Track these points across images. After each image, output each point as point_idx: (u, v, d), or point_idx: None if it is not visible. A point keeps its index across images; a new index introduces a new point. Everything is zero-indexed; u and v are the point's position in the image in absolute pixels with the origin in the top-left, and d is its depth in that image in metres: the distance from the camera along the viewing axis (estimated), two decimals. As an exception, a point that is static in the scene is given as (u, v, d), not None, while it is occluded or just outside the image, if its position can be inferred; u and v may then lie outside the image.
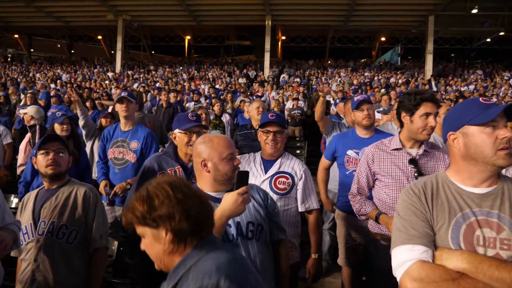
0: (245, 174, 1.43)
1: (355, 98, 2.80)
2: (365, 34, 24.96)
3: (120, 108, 3.12)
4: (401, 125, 2.06)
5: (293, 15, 18.17)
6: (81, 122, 3.76)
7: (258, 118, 3.71)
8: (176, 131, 2.26)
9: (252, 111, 3.90)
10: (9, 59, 25.07)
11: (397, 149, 2.03)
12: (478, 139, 1.21)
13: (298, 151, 7.35)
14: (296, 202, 2.23)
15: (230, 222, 1.53)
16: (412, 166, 1.97)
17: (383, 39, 24.50)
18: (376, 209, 2.03)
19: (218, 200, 1.51)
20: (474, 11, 16.60)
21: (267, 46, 17.86)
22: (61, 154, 2.01)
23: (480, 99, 1.26)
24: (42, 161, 1.98)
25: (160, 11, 18.37)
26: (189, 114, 2.30)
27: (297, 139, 8.34)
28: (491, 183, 1.24)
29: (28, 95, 7.22)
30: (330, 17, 18.33)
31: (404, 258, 1.18)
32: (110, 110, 5.11)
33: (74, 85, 10.83)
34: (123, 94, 3.15)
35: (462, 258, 1.13)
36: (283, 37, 24.81)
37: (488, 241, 1.17)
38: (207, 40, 27.22)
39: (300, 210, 2.23)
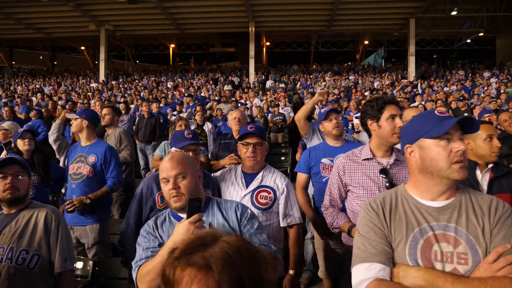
0: (196, 201, 1.37)
1: (322, 110, 2.79)
2: (349, 38, 25.26)
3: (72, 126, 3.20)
4: (370, 134, 2.04)
5: (277, 21, 18.28)
6: (51, 137, 3.65)
7: (236, 129, 3.66)
8: (173, 149, 2.25)
9: (230, 121, 3.84)
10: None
11: (367, 159, 2.00)
12: (433, 152, 1.19)
13: (283, 158, 7.29)
14: (278, 217, 2.18)
15: None
16: (383, 176, 1.94)
17: (366, 42, 24.84)
18: (349, 221, 1.99)
19: None
20: (454, 13, 17.00)
21: (252, 52, 17.90)
22: (20, 177, 1.92)
23: (436, 111, 1.24)
24: (-1, 185, 1.89)
25: (142, 20, 18.23)
26: (185, 131, 2.31)
27: (282, 145, 8.30)
28: (448, 196, 1.22)
29: (6, 108, 6.97)
30: (313, 22, 18.48)
31: (362, 277, 1.16)
32: None
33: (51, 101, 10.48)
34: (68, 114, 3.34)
35: (418, 275, 1.12)
36: (268, 43, 24.93)
37: (445, 256, 1.15)
38: (191, 48, 27.16)
39: (281, 225, 2.18)
